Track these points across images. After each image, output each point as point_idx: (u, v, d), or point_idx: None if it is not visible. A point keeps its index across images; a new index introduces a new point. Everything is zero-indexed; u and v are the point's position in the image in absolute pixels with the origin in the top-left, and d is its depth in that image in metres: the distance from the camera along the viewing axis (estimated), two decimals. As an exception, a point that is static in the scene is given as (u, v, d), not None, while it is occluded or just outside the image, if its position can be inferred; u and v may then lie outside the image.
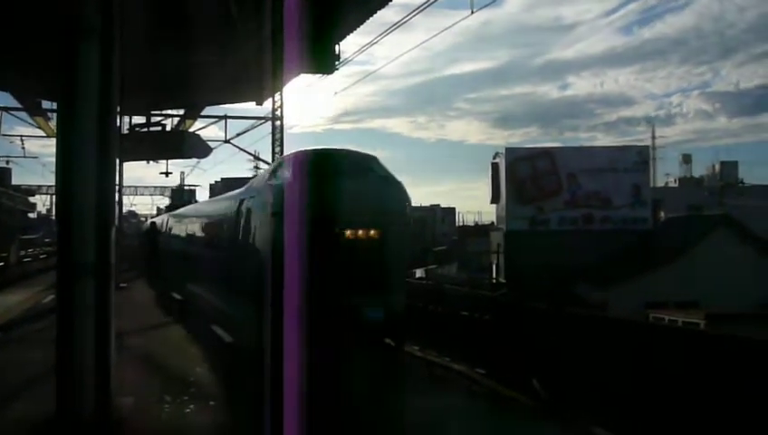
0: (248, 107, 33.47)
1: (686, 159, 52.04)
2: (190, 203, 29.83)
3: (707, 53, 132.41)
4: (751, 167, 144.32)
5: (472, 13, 11.51)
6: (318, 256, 8.14)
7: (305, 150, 10.21)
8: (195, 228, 18.21)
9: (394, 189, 9.74)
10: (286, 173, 9.62)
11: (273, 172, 10.40)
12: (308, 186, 8.81)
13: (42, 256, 34.80)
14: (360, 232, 9.11)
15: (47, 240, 51.22)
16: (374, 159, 10.22)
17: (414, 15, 11.93)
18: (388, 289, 9.18)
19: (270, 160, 27.72)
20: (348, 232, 8.99)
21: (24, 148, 38.24)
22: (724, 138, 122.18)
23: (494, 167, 32.07)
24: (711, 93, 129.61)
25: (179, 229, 20.91)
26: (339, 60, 12.94)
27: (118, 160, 16.62)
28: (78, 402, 6.40)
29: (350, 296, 8.68)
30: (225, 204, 14.20)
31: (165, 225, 24.57)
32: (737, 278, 23.83)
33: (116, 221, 10.22)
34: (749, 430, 6.89)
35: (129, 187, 55.77)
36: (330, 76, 13.62)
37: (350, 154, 10.35)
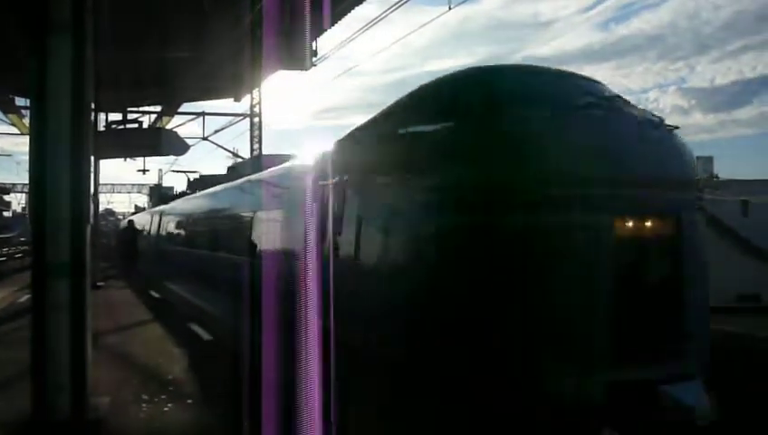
0: (226, 104, 33.26)
1: (663, 153, 52.58)
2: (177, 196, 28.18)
3: (683, 49, 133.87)
4: (725, 162, 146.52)
5: (450, 9, 11.53)
6: (544, 273, 4.33)
7: (473, 69, 5.67)
8: (207, 223, 14.56)
9: (674, 140, 5.03)
10: (445, 113, 5.02)
11: (409, 113, 5.47)
12: (507, 132, 4.60)
13: (17, 256, 34.33)
14: (640, 223, 4.58)
15: (23, 239, 50.55)
16: (604, 85, 5.54)
17: (391, 11, 11.90)
18: (700, 343, 4.77)
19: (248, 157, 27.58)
20: (619, 222, 4.46)
21: (-3, 145, 37.84)
22: (699, 133, 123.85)
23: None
24: (687, 89, 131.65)
25: (179, 225, 18.50)
26: (316, 56, 12.92)
27: (93, 158, 16.44)
28: (53, 402, 6.33)
29: (629, 363, 4.30)
30: (264, 187, 10.20)
31: (155, 221, 23.27)
32: (713, 271, 24.12)
33: (92, 220, 10.09)
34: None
35: (106, 184, 55.41)
36: (309, 72, 13.58)
37: (564, 74, 5.62)
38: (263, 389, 7.05)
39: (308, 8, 11.02)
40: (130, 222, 29.97)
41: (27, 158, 7.05)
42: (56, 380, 6.34)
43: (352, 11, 14.06)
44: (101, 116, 21.38)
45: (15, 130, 28.95)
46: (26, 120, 26.03)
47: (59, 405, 6.33)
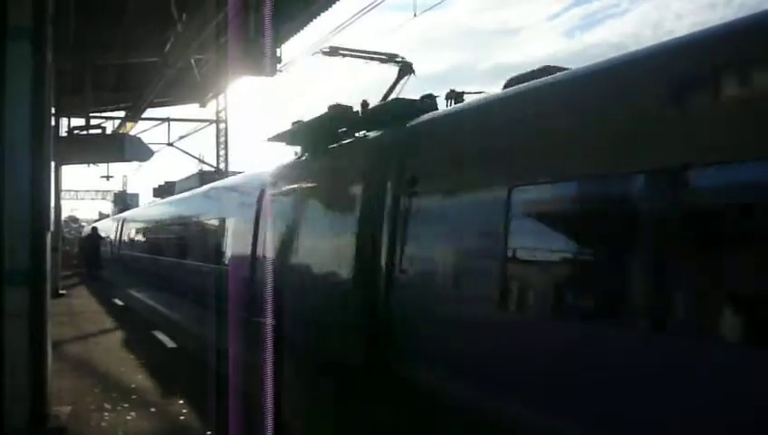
0: (191, 110, 33.13)
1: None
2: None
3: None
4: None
5: (415, 15, 11.62)
6: None
7: None
8: (170, 230, 13.27)
9: None
10: None
11: None
12: None
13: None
14: None
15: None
16: None
17: (358, 17, 11.96)
18: None
19: (215, 164, 27.45)
20: None
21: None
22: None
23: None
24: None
25: (142, 232, 17.16)
26: (281, 62, 12.91)
27: (55, 164, 16.21)
28: (12, 412, 6.23)
29: None
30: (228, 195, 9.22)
31: (119, 228, 22.54)
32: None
33: (53, 226, 9.96)
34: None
35: (69, 191, 54.46)
36: (273, 78, 13.57)
37: None
38: (227, 396, 7.05)
39: (270, 16, 11.04)
40: (94, 229, 29.57)
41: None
42: (15, 389, 6.24)
43: (317, 18, 14.12)
44: (64, 121, 21.08)
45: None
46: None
47: (17, 415, 6.24)
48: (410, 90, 6.13)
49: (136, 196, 46.11)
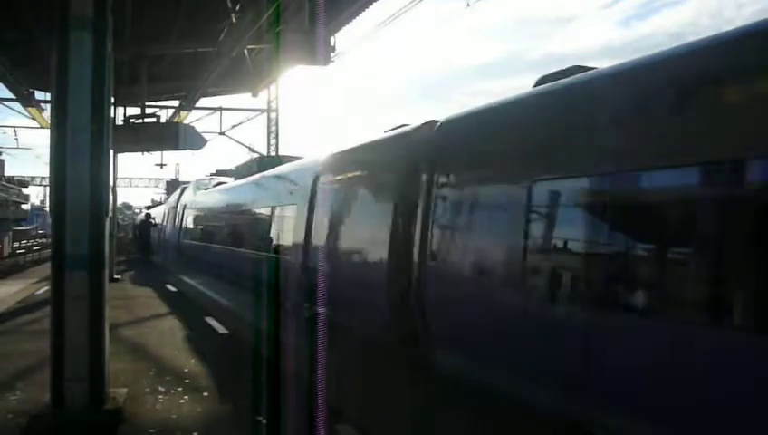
0: (243, 99, 33.43)
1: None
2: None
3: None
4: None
5: (468, 5, 11.49)
6: None
7: None
8: (222, 217, 13.69)
9: None
10: None
11: None
12: None
13: (35, 248, 34.72)
14: None
15: (41, 232, 51.08)
16: None
17: (410, 7, 11.88)
18: None
19: (265, 153, 27.75)
20: None
21: (17, 139, 38.52)
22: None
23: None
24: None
25: (196, 219, 17.55)
26: (334, 51, 12.94)
27: (112, 152, 16.57)
28: (72, 392, 6.42)
29: None
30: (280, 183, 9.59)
31: (172, 215, 22.84)
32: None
33: (110, 213, 10.20)
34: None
35: (124, 178, 55.89)
36: (327, 68, 13.60)
37: None
38: (278, 382, 7.12)
39: (324, 5, 11.07)
40: (147, 215, 30.25)
41: (47, 151, 7.14)
42: (75, 370, 6.43)
43: (371, 6, 14.07)
44: (120, 110, 21.54)
45: (35, 124, 29.26)
46: (45, 114, 26.30)
47: (77, 395, 6.42)
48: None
49: (187, 184, 46.95)
